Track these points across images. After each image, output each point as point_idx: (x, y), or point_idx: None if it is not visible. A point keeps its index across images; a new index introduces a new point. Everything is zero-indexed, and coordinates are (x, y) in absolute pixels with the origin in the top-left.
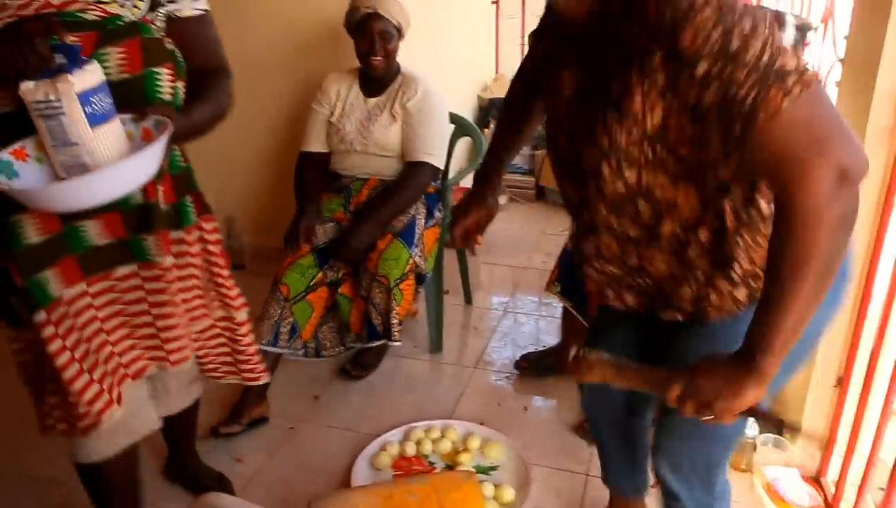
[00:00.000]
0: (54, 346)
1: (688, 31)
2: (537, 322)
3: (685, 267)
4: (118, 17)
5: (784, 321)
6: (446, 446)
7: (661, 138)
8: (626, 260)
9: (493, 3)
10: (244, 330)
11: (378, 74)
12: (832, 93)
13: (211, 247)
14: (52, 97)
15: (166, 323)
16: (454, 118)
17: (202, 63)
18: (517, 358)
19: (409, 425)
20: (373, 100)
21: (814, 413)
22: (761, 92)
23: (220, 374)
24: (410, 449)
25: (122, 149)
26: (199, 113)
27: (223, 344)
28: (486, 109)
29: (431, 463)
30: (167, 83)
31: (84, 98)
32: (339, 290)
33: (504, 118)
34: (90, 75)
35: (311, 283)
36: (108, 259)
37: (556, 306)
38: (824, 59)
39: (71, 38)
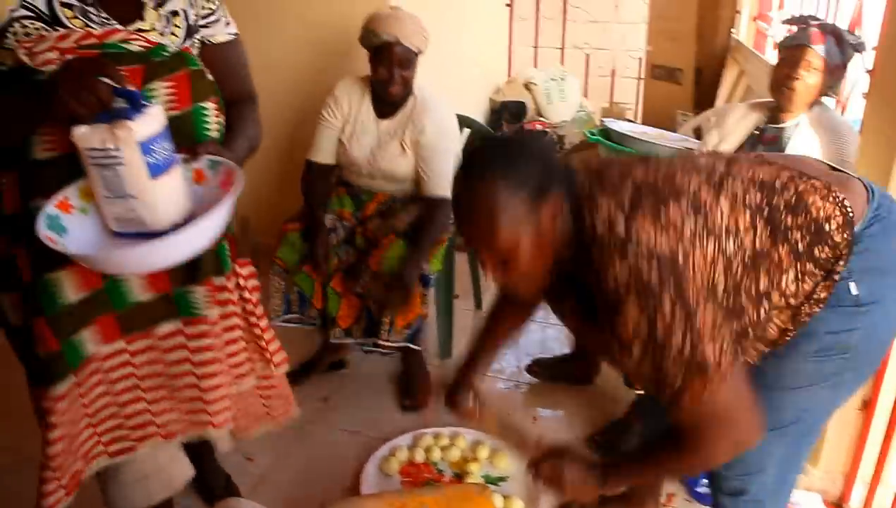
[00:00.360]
0: (56, 420)
1: (619, 323)
2: (545, 330)
3: None
4: (162, 46)
5: (638, 478)
6: (455, 454)
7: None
8: None
9: (507, 5)
10: (284, 383)
11: (394, 101)
12: (860, 105)
13: (248, 295)
14: (110, 145)
15: (210, 383)
16: (469, 122)
17: (233, 90)
18: (526, 365)
19: (419, 431)
20: (384, 123)
21: (837, 436)
22: (686, 381)
23: (246, 428)
24: (419, 456)
25: (183, 200)
26: (240, 147)
27: (259, 399)
28: (499, 112)
29: (440, 471)
30: (214, 119)
31: (145, 147)
32: (330, 284)
33: (485, 329)
34: (152, 121)
35: (303, 256)
36: (150, 315)
37: None
38: (851, 69)
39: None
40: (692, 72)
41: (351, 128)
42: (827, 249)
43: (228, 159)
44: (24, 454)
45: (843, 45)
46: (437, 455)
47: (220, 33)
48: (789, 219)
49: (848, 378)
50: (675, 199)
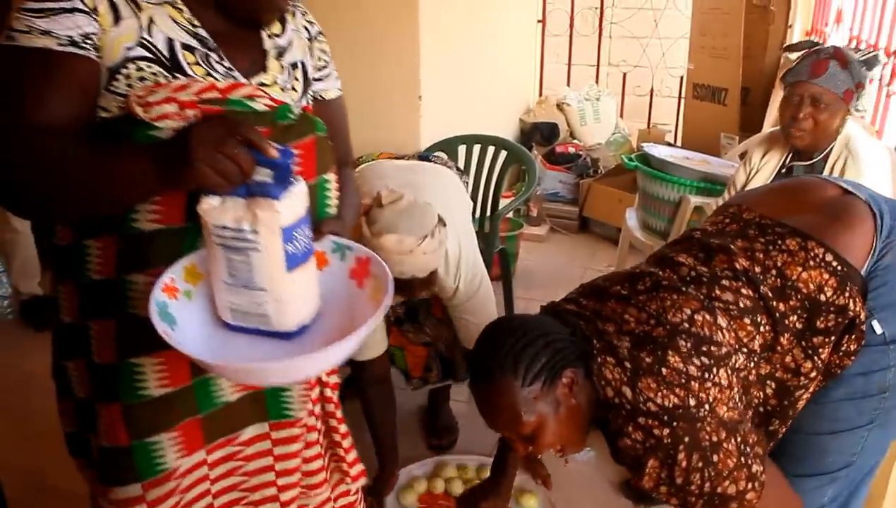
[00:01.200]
0: None
1: (644, 478)
2: None
3: None
4: (287, 107)
5: None
6: None
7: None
8: None
9: (538, 21)
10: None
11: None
12: None
13: (329, 393)
14: (246, 226)
15: (288, 496)
16: (504, 143)
17: (337, 152)
18: None
19: (440, 458)
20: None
21: None
22: None
23: None
24: (439, 487)
25: (315, 297)
26: (349, 222)
27: None
28: (529, 134)
29: None
30: (334, 192)
31: (288, 232)
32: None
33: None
34: (298, 202)
35: None
36: (235, 420)
37: None
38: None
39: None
40: (738, 91)
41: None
42: (833, 316)
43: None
44: (47, 480)
45: (849, 66)
46: (458, 487)
47: (332, 88)
48: (781, 306)
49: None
50: (672, 346)
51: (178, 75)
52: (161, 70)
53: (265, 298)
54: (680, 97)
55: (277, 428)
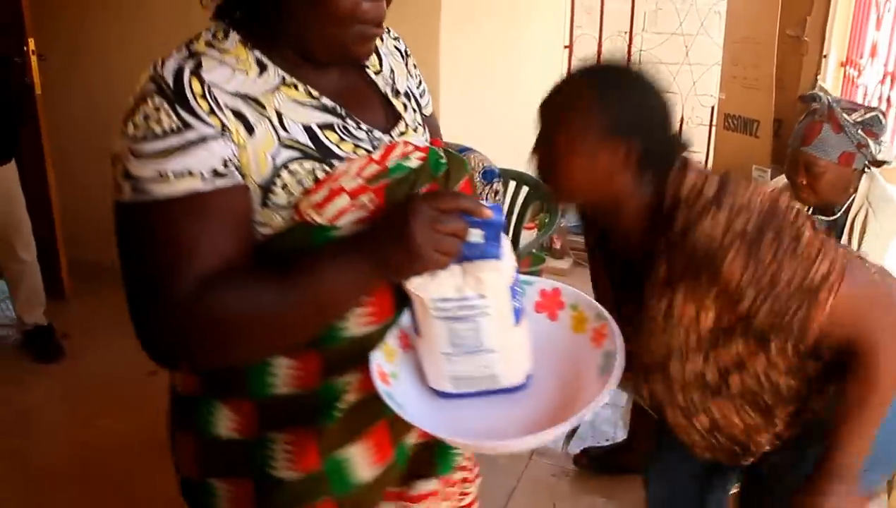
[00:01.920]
0: None
1: (723, 269)
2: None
3: (763, 415)
4: (435, 153)
5: (856, 446)
6: None
7: (716, 330)
8: (696, 425)
9: (565, 47)
10: None
11: None
12: None
13: None
14: (470, 293)
15: None
16: (526, 178)
17: None
18: (576, 450)
19: None
20: None
21: None
22: (805, 307)
23: None
24: None
25: (530, 346)
26: None
27: None
28: None
29: None
30: None
31: (513, 289)
32: None
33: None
34: (511, 254)
35: None
36: (410, 469)
37: (621, 392)
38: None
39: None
40: (770, 123)
41: None
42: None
43: None
44: None
45: (843, 129)
46: None
47: (429, 104)
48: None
49: (869, 478)
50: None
51: (333, 162)
52: (314, 164)
53: (495, 359)
54: (711, 126)
55: (448, 484)
